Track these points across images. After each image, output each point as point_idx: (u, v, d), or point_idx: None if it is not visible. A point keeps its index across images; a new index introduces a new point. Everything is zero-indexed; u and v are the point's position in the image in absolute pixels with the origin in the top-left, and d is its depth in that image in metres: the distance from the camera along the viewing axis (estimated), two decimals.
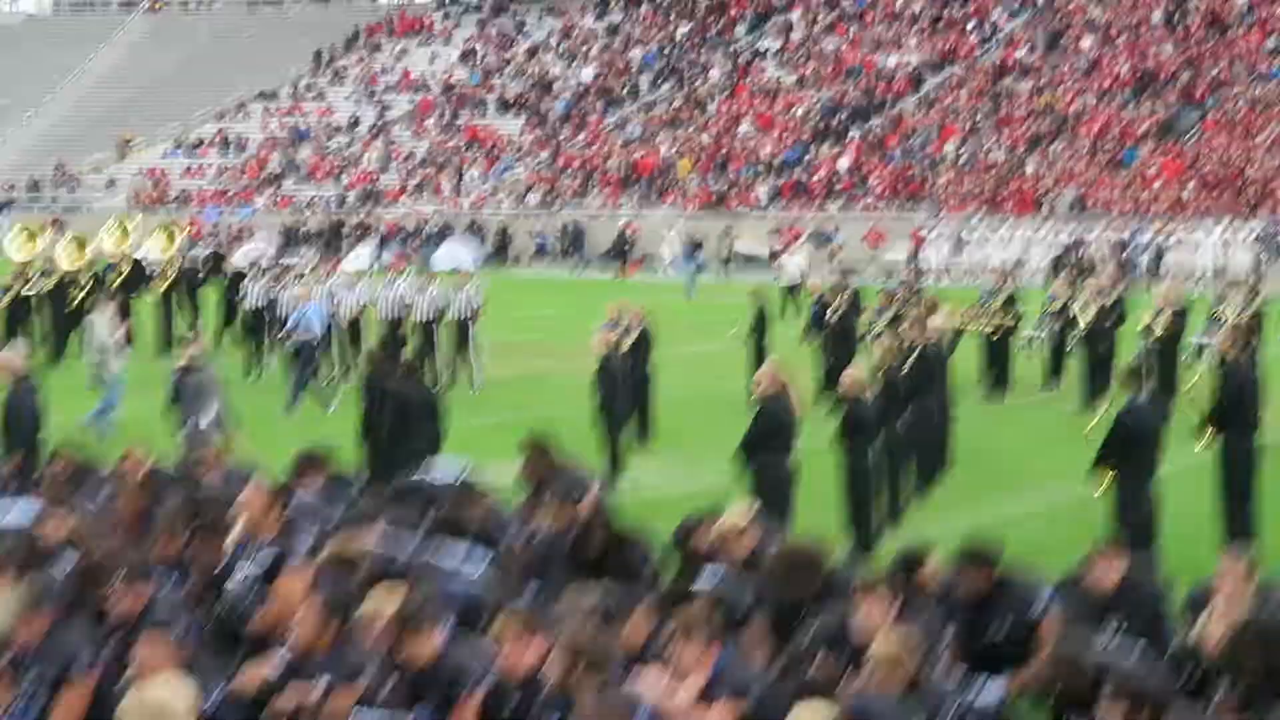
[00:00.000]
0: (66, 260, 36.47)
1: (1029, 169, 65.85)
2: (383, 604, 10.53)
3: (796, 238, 61.36)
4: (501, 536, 13.31)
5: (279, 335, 30.15)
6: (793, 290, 43.74)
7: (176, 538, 12.02)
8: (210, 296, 38.07)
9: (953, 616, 11.17)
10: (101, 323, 26.96)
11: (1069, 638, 10.49)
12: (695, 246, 60.74)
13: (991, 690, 11.02)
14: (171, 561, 12.01)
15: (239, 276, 36.37)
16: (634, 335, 24.59)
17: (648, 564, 12.63)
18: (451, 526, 13.30)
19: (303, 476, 15.58)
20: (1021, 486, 21.12)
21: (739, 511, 12.91)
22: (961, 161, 67.38)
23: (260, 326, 33.00)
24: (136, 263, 37.77)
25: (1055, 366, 30.51)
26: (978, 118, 69.87)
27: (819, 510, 18.32)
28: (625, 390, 22.29)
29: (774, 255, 59.36)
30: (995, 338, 29.93)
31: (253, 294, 33.30)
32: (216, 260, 40.44)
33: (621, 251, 64.84)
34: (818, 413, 24.77)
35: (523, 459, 15.30)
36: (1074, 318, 29.67)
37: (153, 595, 10.87)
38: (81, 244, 38.24)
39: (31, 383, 18.43)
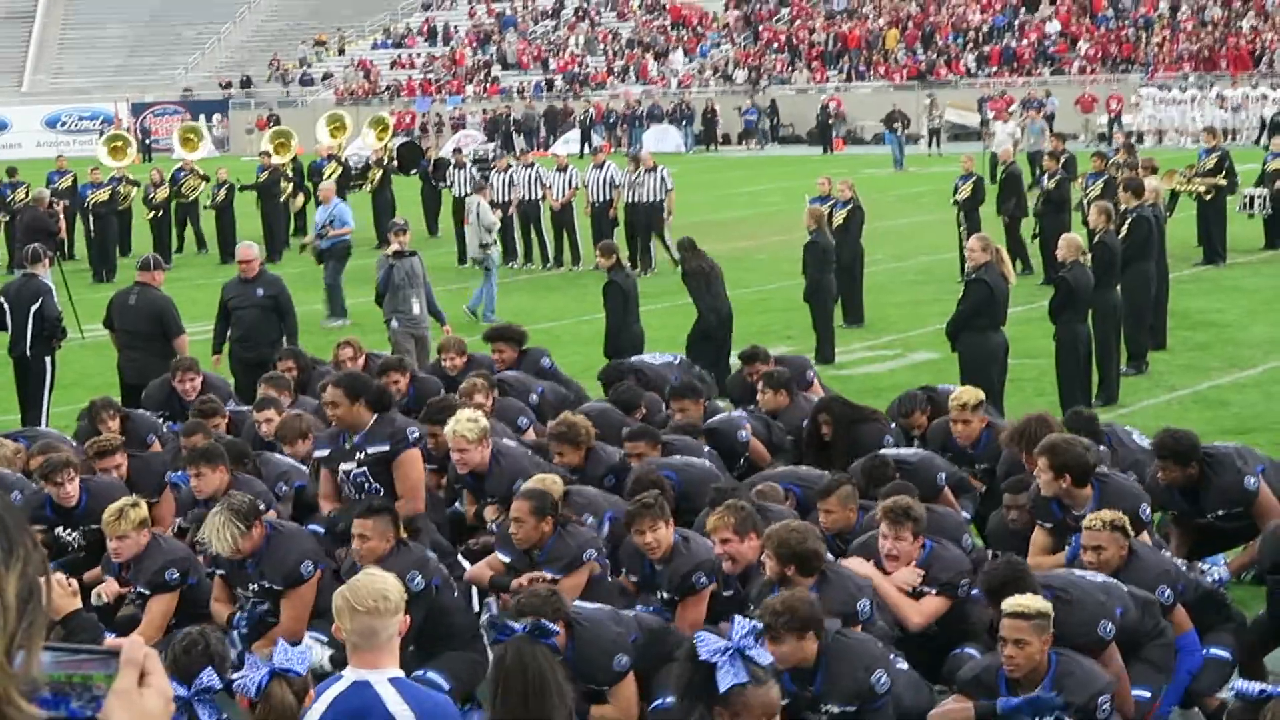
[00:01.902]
0: (276, 155, 36.84)
1: (1245, 25, 64.02)
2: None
3: (1007, 106, 60.27)
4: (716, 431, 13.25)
5: (314, 237, 27.60)
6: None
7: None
8: (409, 186, 37.99)
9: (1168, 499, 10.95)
10: (486, 206, 27.16)
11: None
12: (895, 118, 59.56)
13: (1215, 572, 10.83)
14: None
15: (441, 164, 36.48)
16: (845, 209, 24.22)
17: (883, 445, 12.46)
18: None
19: (498, 351, 15.72)
20: (1240, 356, 20.56)
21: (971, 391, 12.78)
22: (1175, 20, 65.69)
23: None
24: (346, 160, 37.96)
25: (1275, 229, 29.71)
26: None
27: (1028, 384, 18.14)
28: (834, 265, 21.87)
29: (984, 124, 58.48)
30: (1210, 199, 28.95)
31: (459, 182, 33.38)
32: (411, 149, 40.46)
33: (825, 127, 64.11)
34: (1027, 282, 24.49)
35: (740, 369, 15.20)
36: None
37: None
38: (288, 139, 38.70)
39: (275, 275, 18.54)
